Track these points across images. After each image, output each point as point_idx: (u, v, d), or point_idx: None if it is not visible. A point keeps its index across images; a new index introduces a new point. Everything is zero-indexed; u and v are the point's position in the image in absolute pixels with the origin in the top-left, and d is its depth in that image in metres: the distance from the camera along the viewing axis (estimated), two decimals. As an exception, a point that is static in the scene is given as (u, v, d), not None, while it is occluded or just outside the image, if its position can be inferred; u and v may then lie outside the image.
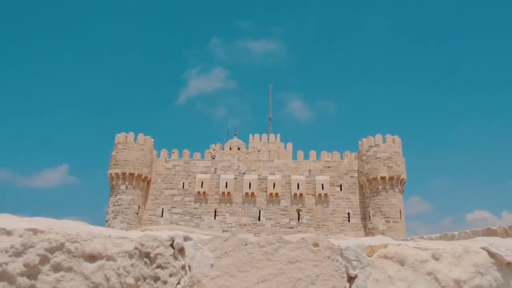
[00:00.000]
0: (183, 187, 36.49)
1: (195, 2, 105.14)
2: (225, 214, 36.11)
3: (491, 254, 2.63)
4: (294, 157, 37.33)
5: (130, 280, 2.09)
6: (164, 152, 37.67)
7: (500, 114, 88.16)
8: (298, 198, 35.58)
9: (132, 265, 2.12)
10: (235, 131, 43.45)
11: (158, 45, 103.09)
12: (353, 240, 2.47)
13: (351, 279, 2.32)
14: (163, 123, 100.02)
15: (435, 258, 2.58)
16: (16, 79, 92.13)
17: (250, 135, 39.15)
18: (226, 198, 36.13)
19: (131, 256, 2.13)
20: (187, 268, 2.13)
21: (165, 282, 2.09)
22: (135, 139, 35.95)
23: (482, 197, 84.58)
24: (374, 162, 33.77)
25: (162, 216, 35.84)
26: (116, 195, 34.72)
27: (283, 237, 2.27)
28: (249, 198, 36.01)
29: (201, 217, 35.79)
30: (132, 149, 35.44)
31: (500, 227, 12.89)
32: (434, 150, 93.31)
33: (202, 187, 36.07)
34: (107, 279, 2.11)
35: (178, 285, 2.11)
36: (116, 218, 33.96)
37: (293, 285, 2.16)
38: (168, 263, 2.12)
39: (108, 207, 34.79)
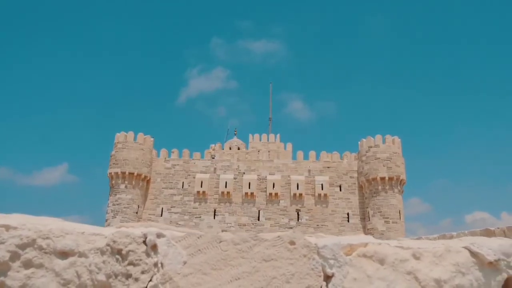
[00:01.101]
0: (182, 187, 36.48)
1: (195, 2, 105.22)
2: (225, 214, 36.09)
3: (473, 254, 2.60)
4: (294, 157, 37.30)
5: (101, 277, 2.07)
6: (163, 151, 37.68)
7: (499, 115, 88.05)
8: (297, 198, 35.55)
9: (103, 262, 2.09)
10: (235, 131, 43.48)
11: (159, 45, 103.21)
12: (331, 238, 2.44)
13: (328, 278, 2.29)
14: (163, 123, 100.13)
15: (416, 257, 2.55)
16: (16, 78, 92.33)
17: (250, 135, 39.16)
18: (225, 198, 36.12)
19: (103, 252, 2.11)
20: (159, 265, 2.11)
21: (136, 279, 2.07)
22: (134, 139, 35.96)
23: (481, 198, 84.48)
24: (374, 162, 33.71)
25: (161, 215, 35.84)
26: (115, 195, 34.73)
27: (258, 234, 2.24)
28: (249, 198, 35.98)
29: (200, 217, 35.78)
30: (131, 148, 35.45)
31: (498, 228, 12.85)
32: (434, 151, 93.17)
33: (201, 186, 36.06)
34: (79, 276, 2.09)
35: (150, 282, 2.09)
36: (115, 217, 33.97)
37: (267, 284, 2.13)
38: (140, 260, 2.10)
39: (108, 207, 34.80)
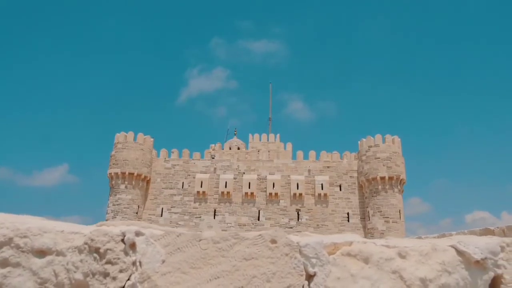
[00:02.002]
0: (182, 187, 36.46)
1: (196, 2, 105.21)
2: (225, 214, 36.06)
3: (459, 252, 2.56)
4: (294, 157, 37.26)
5: (78, 276, 2.04)
6: (163, 151, 37.66)
7: (499, 115, 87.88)
8: (297, 198, 35.50)
9: (81, 261, 2.07)
10: (235, 131, 43.45)
11: (159, 44, 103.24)
12: (314, 237, 2.41)
13: (310, 277, 2.26)
14: (163, 123, 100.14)
15: (402, 256, 2.52)
16: (16, 78, 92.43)
17: (250, 135, 39.13)
18: (225, 198, 36.09)
19: (80, 251, 2.08)
20: (138, 264, 2.08)
21: (114, 278, 2.04)
22: (134, 139, 35.95)
23: (481, 198, 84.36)
24: (374, 162, 33.65)
25: (161, 215, 35.83)
26: (115, 195, 34.72)
27: (239, 233, 2.22)
28: (249, 198, 35.95)
29: (200, 217, 35.76)
30: (131, 148, 35.45)
31: (498, 227, 12.81)
32: (434, 151, 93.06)
33: (201, 186, 36.04)
34: (56, 274, 2.06)
35: (128, 281, 2.06)
36: (115, 217, 33.95)
37: (247, 283, 2.10)
38: (118, 258, 2.07)
39: (108, 207, 34.79)
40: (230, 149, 39.09)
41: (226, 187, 36.00)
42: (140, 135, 36.23)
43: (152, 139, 37.26)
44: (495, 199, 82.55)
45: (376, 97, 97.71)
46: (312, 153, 36.89)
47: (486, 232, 12.95)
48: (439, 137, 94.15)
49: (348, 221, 34.61)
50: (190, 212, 35.82)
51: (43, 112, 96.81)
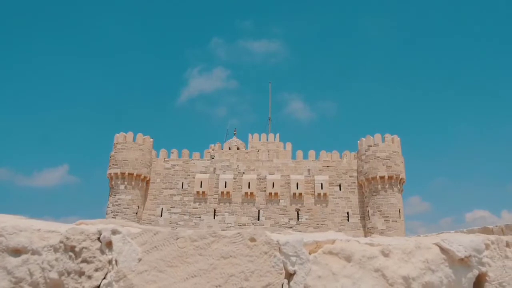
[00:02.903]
0: (182, 187, 36.44)
1: (196, 2, 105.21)
2: (224, 213, 36.04)
3: (443, 250, 2.54)
4: (293, 156, 37.23)
5: (53, 275, 2.02)
6: (163, 152, 37.65)
7: (499, 114, 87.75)
8: (297, 197, 35.47)
9: (56, 260, 2.05)
10: (235, 131, 43.44)
11: (159, 44, 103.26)
12: (294, 235, 2.39)
13: (290, 275, 2.24)
14: (163, 123, 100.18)
15: (385, 254, 2.49)
16: (16, 78, 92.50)
17: (249, 135, 39.12)
18: (225, 197, 36.07)
19: (56, 250, 2.06)
20: (114, 262, 2.06)
21: (90, 277, 2.02)
22: (134, 139, 35.95)
23: (481, 196, 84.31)
24: (373, 161, 33.61)
25: (161, 216, 35.82)
26: (115, 195, 34.72)
27: (218, 231, 2.20)
28: (248, 197, 35.93)
29: (200, 217, 35.75)
30: (131, 149, 35.44)
31: (496, 226, 12.81)
32: (434, 150, 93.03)
33: (201, 186, 36.02)
34: (31, 274, 2.04)
35: (104, 280, 2.04)
36: (115, 218, 33.93)
37: (224, 281, 2.08)
38: (94, 257, 2.05)
39: (108, 207, 34.78)
40: (229, 149, 39.08)
41: (225, 187, 35.98)
42: (140, 135, 36.23)
43: (151, 140, 37.26)
44: (495, 198, 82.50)
45: (375, 97, 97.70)
46: (312, 153, 36.86)
47: (485, 231, 12.94)
48: (439, 136, 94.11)
49: (348, 220, 34.57)
50: (190, 212, 35.81)
51: (43, 112, 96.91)
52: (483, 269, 2.54)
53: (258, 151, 37.60)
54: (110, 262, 2.06)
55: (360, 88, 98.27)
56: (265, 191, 35.82)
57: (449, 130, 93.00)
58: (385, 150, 33.78)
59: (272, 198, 35.70)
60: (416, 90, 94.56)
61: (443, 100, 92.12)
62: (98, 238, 2.09)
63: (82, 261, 2.03)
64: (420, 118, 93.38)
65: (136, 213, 34.85)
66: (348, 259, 2.42)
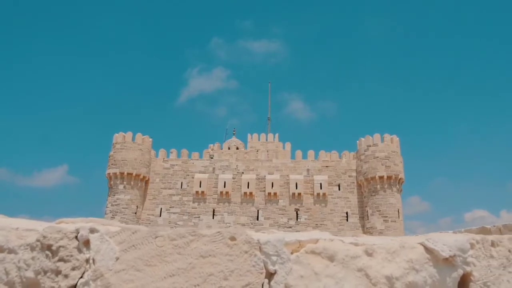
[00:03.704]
0: (181, 187, 36.43)
1: (195, 2, 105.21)
2: (224, 213, 36.03)
3: (428, 250, 2.52)
4: (293, 156, 37.22)
5: (30, 274, 2.01)
6: (162, 151, 37.63)
7: (499, 114, 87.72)
8: (296, 197, 35.45)
9: (33, 258, 2.03)
10: (234, 131, 43.42)
11: (159, 44, 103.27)
12: (276, 234, 2.37)
13: (271, 275, 2.22)
14: (162, 123, 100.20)
15: (368, 253, 2.47)
16: (16, 78, 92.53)
17: (249, 135, 39.10)
18: (224, 197, 36.05)
19: (32, 248, 2.05)
20: (91, 261, 2.04)
21: (66, 276, 2.00)
22: (133, 139, 35.93)
23: (480, 196, 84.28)
24: (372, 161, 33.59)
25: (160, 215, 35.80)
26: (114, 195, 34.70)
27: (197, 230, 2.18)
28: (248, 197, 35.91)
29: (199, 217, 35.74)
30: (130, 149, 35.42)
31: (494, 226, 12.79)
32: (433, 150, 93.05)
33: (200, 186, 36.00)
34: (7, 273, 2.03)
35: (81, 279, 2.02)
36: (114, 217, 33.92)
37: (203, 281, 2.06)
38: (71, 256, 2.03)
39: (106, 207, 34.77)
40: (229, 149, 39.06)
41: (225, 187, 35.97)
42: (139, 135, 36.22)
43: (150, 139, 37.25)
44: (494, 198, 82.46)
45: (375, 97, 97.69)
46: (311, 153, 36.85)
47: (483, 231, 12.93)
48: (439, 136, 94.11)
49: (347, 220, 34.55)
50: (189, 212, 35.79)
51: (43, 112, 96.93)
52: (468, 268, 2.52)
53: (257, 151, 37.59)
54: (87, 261, 2.05)
55: (359, 88, 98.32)
56: (264, 191, 35.81)
57: (448, 130, 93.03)
58: (384, 150, 33.76)
59: (271, 198, 35.69)
60: (416, 90, 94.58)
61: (443, 100, 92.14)
62: (76, 237, 2.07)
63: (59, 260, 2.02)
64: (420, 118, 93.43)
65: (135, 213, 34.83)
66: (331, 258, 2.40)
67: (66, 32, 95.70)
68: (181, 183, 36.55)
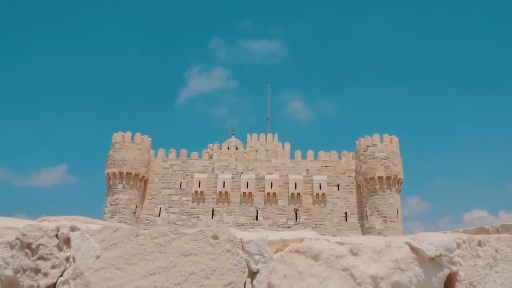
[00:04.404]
0: (180, 187, 36.41)
1: (195, 2, 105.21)
2: (223, 213, 36.01)
3: (414, 249, 2.50)
4: (292, 156, 37.21)
5: (9, 272, 1.99)
6: (161, 151, 37.61)
7: (498, 114, 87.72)
8: (295, 197, 35.43)
9: (12, 257, 2.02)
10: (233, 131, 43.39)
11: (159, 44, 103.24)
12: (259, 233, 2.35)
13: (253, 274, 2.21)
14: (162, 123, 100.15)
15: (353, 253, 2.46)
16: (15, 78, 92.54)
17: (248, 135, 39.09)
18: (223, 197, 36.04)
19: (12, 247, 2.03)
20: (71, 259, 2.03)
21: (46, 274, 1.99)
22: (132, 139, 35.91)
23: (479, 196, 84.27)
24: (372, 161, 33.58)
25: (159, 215, 35.78)
26: (113, 195, 34.68)
27: (179, 228, 2.16)
28: (247, 197, 35.89)
29: (198, 217, 35.72)
30: (129, 148, 35.40)
31: (492, 226, 12.78)
32: (432, 150, 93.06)
33: (199, 186, 35.98)
34: (-14, 271, 2.01)
35: (61, 277, 2.01)
36: (113, 217, 33.91)
37: (184, 279, 2.05)
38: (51, 254, 2.02)
39: (105, 207, 34.75)
40: (228, 149, 39.04)
41: (224, 186, 35.95)
42: (138, 135, 36.20)
43: (149, 139, 37.24)
44: (493, 198, 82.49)
45: (374, 97, 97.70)
46: (310, 153, 36.83)
47: (480, 231, 12.91)
48: (438, 137, 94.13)
49: (346, 220, 34.54)
50: (188, 212, 35.78)
51: (42, 112, 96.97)
52: (454, 268, 2.51)
53: (256, 151, 37.58)
54: (67, 259, 2.04)
55: (359, 88, 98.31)
56: (264, 191, 35.79)
57: (448, 131, 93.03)
58: (384, 150, 33.74)
59: (271, 198, 35.67)
60: (415, 90, 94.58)
61: (442, 101, 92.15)
62: (56, 235, 2.06)
63: (39, 258, 2.00)
64: (419, 119, 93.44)
65: (134, 213, 34.82)
66: (316, 258, 2.39)
67: (65, 31, 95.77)
68: (180, 183, 36.53)
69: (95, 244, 2.04)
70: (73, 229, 2.07)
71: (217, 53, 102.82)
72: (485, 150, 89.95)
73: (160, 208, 35.96)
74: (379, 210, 32.39)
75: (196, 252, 2.11)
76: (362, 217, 34.16)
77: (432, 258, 2.47)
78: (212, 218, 35.70)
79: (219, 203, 36.08)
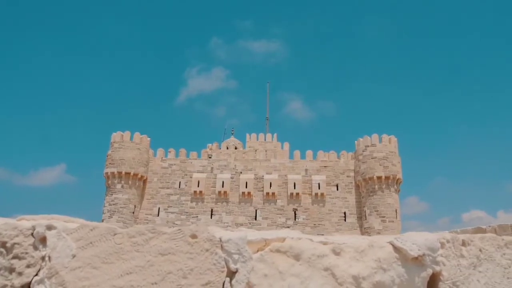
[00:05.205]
0: (179, 186, 36.39)
1: (195, 2, 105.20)
2: (222, 213, 35.99)
3: (397, 249, 2.49)
4: (291, 156, 37.20)
5: (-17, 272, 1.97)
6: (160, 151, 37.58)
7: (497, 115, 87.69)
8: (294, 197, 35.41)
9: (-14, 256, 2.00)
10: (232, 131, 43.38)
11: (159, 44, 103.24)
12: (239, 232, 2.34)
13: (232, 273, 2.19)
14: (161, 123, 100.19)
15: (336, 253, 2.44)
16: (14, 78, 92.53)
17: (247, 135, 39.05)
18: (222, 197, 36.02)
19: (-13, 246, 2.01)
20: (47, 258, 2.01)
21: (20, 274, 1.97)
22: (131, 138, 35.87)
23: (478, 197, 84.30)
24: (370, 161, 33.56)
25: (158, 215, 35.76)
26: (112, 194, 34.65)
27: (157, 227, 2.15)
28: (246, 197, 35.87)
29: (197, 217, 35.69)
30: (128, 148, 35.37)
31: (490, 226, 12.72)
32: (431, 150, 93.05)
33: (198, 186, 35.96)
34: (-40, 270, 2.00)
35: (36, 276, 1.99)
36: (112, 217, 33.91)
37: (161, 279, 2.03)
38: (26, 253, 2.00)
39: (104, 206, 34.72)
40: (227, 148, 39.03)
41: (223, 186, 35.92)
42: (137, 135, 36.17)
43: (148, 139, 37.21)
44: (492, 198, 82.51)
45: (374, 97, 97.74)
46: (309, 153, 36.81)
47: (478, 231, 12.85)
48: (437, 137, 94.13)
49: (345, 220, 34.52)
50: (187, 212, 35.76)
51: (41, 111, 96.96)
52: (437, 268, 2.49)
53: (255, 150, 37.56)
54: (43, 258, 2.02)
55: (358, 88, 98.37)
56: (263, 190, 35.77)
57: (446, 131, 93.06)
58: (382, 150, 33.72)
59: (270, 198, 35.65)
60: (414, 90, 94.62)
61: (441, 101, 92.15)
62: (32, 234, 2.05)
63: (14, 257, 1.99)
64: (418, 119, 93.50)
65: (133, 213, 34.80)
66: (297, 257, 2.37)
67: (65, 31, 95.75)
68: (179, 182, 36.51)
69: (72, 243, 2.03)
70: (49, 228, 2.05)
71: (217, 53, 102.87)
72: (484, 150, 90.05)
73: (159, 208, 35.95)
74: (378, 210, 32.37)
75: (174, 251, 2.09)
76: (361, 217, 34.14)
77: (415, 258, 2.46)
78: (211, 218, 35.68)
79: (218, 203, 36.06)
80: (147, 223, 35.41)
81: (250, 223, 35.39)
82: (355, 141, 36.01)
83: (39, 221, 2.16)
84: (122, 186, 34.57)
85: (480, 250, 2.62)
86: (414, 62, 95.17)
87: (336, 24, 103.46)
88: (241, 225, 35.33)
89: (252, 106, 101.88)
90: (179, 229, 2.16)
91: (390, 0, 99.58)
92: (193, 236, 2.15)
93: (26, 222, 2.11)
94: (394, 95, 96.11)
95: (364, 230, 32.96)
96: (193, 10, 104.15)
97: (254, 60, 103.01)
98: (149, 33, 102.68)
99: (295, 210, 35.46)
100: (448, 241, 2.56)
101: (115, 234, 2.07)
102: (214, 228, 2.38)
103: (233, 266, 2.18)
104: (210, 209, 35.90)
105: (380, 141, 34.21)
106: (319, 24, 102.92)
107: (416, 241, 2.50)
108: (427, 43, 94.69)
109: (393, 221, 31.98)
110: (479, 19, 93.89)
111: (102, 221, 33.96)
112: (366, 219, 33.17)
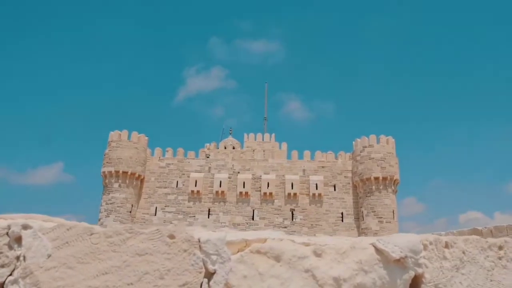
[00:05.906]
0: (176, 186, 36.34)
1: (195, 2, 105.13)
2: (219, 213, 35.96)
3: (378, 251, 2.47)
4: (289, 156, 37.17)
5: (-43, 271, 1.96)
6: (158, 150, 37.54)
7: (495, 116, 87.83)
8: (292, 197, 35.40)
9: (-40, 255, 1.98)
10: (230, 130, 43.36)
11: (157, 43, 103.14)
12: (218, 233, 2.32)
13: (211, 274, 2.18)
14: (159, 122, 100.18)
15: (317, 254, 2.42)
16: (12, 77, 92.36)
17: (245, 135, 39.03)
18: (220, 197, 35.99)
19: (-39, 245, 2.00)
20: (22, 258, 2.00)
21: (-6, 273, 1.95)
22: (128, 137, 35.80)
23: (475, 198, 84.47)
24: (368, 162, 33.57)
25: (155, 214, 35.72)
26: (109, 193, 34.60)
27: (135, 227, 2.13)
28: (243, 197, 35.85)
29: (194, 216, 35.66)
30: (125, 147, 35.31)
31: (485, 227, 12.71)
32: (429, 151, 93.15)
33: (196, 186, 35.92)
34: None
35: (10, 276, 1.98)
36: (109, 216, 33.85)
37: (138, 279, 2.02)
38: (1, 252, 1.99)
39: (101, 206, 34.66)
40: (225, 148, 39.01)
41: (220, 186, 35.90)
42: (134, 134, 36.11)
43: (146, 138, 37.16)
44: (489, 200, 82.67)
45: (372, 98, 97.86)
46: (307, 153, 36.81)
47: (474, 232, 12.85)
48: (434, 138, 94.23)
49: (342, 221, 34.53)
50: (184, 211, 35.72)
51: (38, 110, 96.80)
52: (420, 270, 2.48)
53: (253, 150, 37.54)
54: (18, 258, 2.00)
55: (356, 89, 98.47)
56: (260, 190, 35.76)
57: (444, 132, 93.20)
58: (380, 151, 33.73)
59: (267, 198, 35.64)
60: (412, 92, 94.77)
61: (439, 102, 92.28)
62: (7, 233, 2.03)
63: (-12, 257, 1.97)
64: (416, 120, 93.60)
65: (130, 212, 34.75)
66: (277, 258, 2.36)
67: (63, 30, 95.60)
68: (177, 182, 36.47)
69: (48, 243, 2.01)
70: (25, 227, 2.04)
71: (216, 53, 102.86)
72: (481, 152, 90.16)
73: (156, 207, 35.90)
74: (375, 211, 32.39)
75: (151, 251, 2.07)
76: (358, 217, 34.14)
77: (397, 260, 2.44)
78: (208, 217, 35.65)
79: (215, 203, 36.03)
80: (144, 222, 35.39)
81: (247, 223, 35.37)
82: (353, 142, 36.03)
83: (16, 220, 2.14)
84: (120, 185, 34.51)
85: (464, 252, 2.61)
86: (412, 63, 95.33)
87: (334, 25, 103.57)
88: (238, 225, 35.33)
89: (250, 106, 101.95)
90: (157, 229, 2.15)
91: (390, 1, 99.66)
92: (171, 237, 2.14)
93: (2, 221, 2.10)
94: (392, 96, 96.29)
95: (361, 231, 32.97)
96: (192, 10, 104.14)
97: (252, 60, 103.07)
98: (148, 32, 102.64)
99: (292, 210, 35.45)
100: (431, 243, 2.55)
101: (92, 234, 2.06)
102: (194, 228, 2.36)
103: (211, 267, 2.16)
104: (208, 209, 35.87)
105: (378, 142, 34.23)
106: (318, 25, 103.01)
107: (398, 243, 2.48)
108: (425, 44, 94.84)
109: (390, 222, 32.00)
110: (479, 18, 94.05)
111: (99, 220, 33.92)
112: (363, 220, 33.18)
